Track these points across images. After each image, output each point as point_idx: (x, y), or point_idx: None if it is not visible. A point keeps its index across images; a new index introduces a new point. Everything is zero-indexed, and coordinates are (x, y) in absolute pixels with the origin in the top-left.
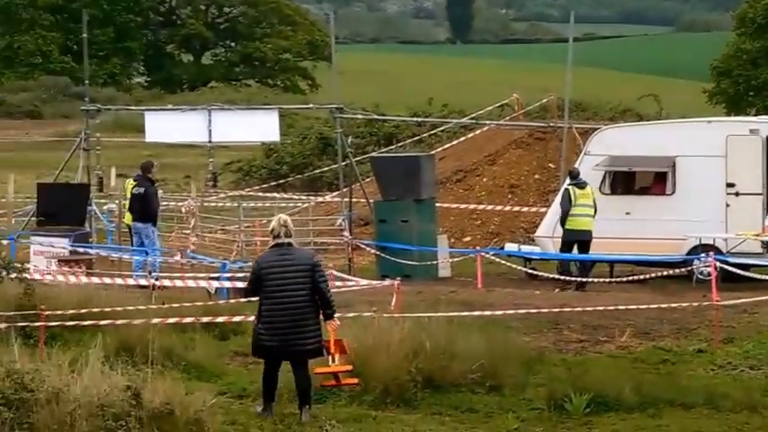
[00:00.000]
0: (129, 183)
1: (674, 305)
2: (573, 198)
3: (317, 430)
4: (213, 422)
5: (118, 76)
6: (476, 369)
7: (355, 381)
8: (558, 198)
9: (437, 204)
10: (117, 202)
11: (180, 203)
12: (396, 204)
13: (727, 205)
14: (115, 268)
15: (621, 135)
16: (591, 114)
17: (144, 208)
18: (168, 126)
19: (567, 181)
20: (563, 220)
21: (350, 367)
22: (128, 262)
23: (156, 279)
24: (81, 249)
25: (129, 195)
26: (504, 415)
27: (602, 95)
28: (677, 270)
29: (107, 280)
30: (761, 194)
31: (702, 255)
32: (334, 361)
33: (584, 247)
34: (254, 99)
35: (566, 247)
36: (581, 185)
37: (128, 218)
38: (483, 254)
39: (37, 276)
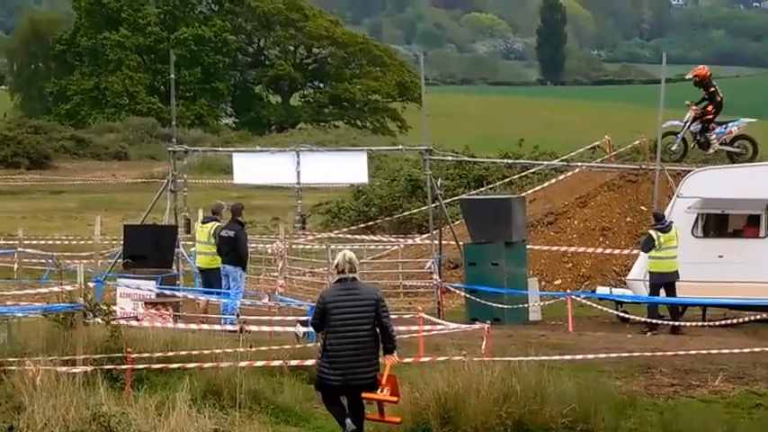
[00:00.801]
0: (198, 225)
1: (767, 349)
2: (657, 244)
3: None
4: None
5: (205, 117)
6: (567, 413)
7: (398, 420)
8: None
9: (528, 247)
10: None
11: (268, 246)
12: (486, 247)
13: None
14: (201, 311)
15: (714, 177)
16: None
17: (233, 251)
18: (256, 168)
19: (652, 223)
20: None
21: (396, 399)
22: (215, 305)
23: (244, 322)
24: (168, 292)
25: (199, 238)
26: None
27: None
28: None
29: (193, 326)
30: None
31: None
32: (382, 392)
33: (671, 289)
34: (343, 140)
35: (653, 290)
36: (665, 229)
37: (199, 260)
38: (574, 297)
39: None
